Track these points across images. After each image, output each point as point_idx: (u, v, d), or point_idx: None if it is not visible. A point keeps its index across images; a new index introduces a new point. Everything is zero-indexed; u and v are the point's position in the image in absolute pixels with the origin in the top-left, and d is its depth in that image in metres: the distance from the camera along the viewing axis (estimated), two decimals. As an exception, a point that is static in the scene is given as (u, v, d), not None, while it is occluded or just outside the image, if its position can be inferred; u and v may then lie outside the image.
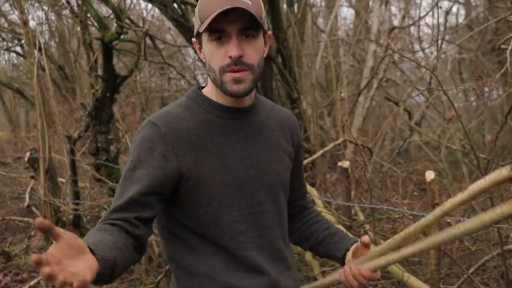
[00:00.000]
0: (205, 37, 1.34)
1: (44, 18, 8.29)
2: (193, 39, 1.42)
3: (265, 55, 1.39)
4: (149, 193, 1.29)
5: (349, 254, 1.42)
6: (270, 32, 1.45)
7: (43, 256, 0.87)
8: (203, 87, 1.46)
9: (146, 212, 1.29)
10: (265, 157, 1.42)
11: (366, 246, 1.32)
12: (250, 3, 1.30)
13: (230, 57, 1.30)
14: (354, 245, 1.41)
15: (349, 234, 1.70)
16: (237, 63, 1.31)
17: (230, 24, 1.29)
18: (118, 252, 1.15)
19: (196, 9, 1.37)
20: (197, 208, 1.35)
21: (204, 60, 1.40)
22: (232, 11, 1.26)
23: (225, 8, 1.26)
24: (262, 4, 1.36)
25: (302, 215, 1.62)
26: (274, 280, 1.40)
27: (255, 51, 1.33)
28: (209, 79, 1.42)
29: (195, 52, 1.45)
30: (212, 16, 1.27)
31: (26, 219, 6.38)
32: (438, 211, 1.22)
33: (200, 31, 1.33)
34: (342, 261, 1.46)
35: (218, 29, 1.30)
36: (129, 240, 1.24)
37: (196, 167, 1.33)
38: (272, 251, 1.42)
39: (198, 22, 1.34)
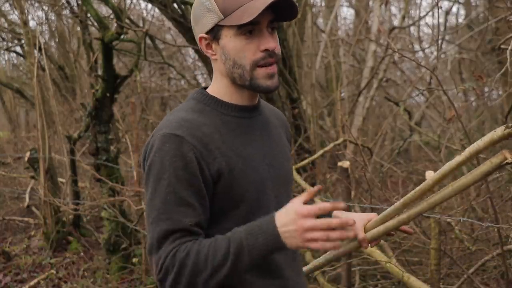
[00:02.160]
0: (230, 31, 1.25)
1: (44, 18, 8.32)
2: (203, 35, 1.30)
3: None
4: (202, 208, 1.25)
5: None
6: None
7: None
8: (205, 88, 1.40)
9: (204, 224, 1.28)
10: (278, 155, 1.40)
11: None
12: None
13: (267, 50, 1.26)
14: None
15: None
16: (272, 56, 1.27)
17: (263, 17, 1.23)
18: None
19: (208, 1, 1.26)
20: (226, 212, 1.29)
21: (217, 58, 1.31)
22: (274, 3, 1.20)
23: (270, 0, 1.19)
24: None
25: None
26: (292, 285, 1.38)
27: (278, 44, 1.30)
28: (219, 79, 1.35)
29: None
30: (261, 8, 1.19)
31: (26, 219, 6.39)
32: (436, 175, 1.23)
33: (232, 23, 1.23)
34: None
35: (253, 21, 1.22)
36: None
37: (227, 171, 1.26)
38: (293, 250, 1.39)
39: (219, 15, 1.25)
